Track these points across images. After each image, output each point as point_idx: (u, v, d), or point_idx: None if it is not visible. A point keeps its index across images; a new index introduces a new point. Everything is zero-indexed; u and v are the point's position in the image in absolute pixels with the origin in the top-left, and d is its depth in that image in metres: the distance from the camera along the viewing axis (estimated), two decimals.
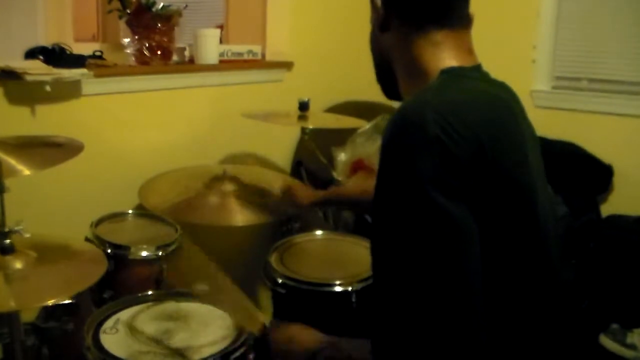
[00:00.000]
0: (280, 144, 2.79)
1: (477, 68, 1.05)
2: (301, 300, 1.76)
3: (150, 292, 1.61)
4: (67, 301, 1.49)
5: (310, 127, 2.23)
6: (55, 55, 1.98)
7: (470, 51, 1.04)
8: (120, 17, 2.23)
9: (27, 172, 1.41)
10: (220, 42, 2.49)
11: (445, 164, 0.85)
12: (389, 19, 1.04)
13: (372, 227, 0.92)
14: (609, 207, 2.70)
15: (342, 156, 2.71)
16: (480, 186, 0.87)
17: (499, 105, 0.99)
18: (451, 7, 1.01)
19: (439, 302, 0.85)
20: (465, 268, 0.86)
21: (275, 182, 2.13)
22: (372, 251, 0.92)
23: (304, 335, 1.21)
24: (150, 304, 1.57)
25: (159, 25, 2.23)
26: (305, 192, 1.97)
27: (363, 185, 2.07)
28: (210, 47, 2.42)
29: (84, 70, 1.97)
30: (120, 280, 1.79)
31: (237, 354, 1.36)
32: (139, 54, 2.24)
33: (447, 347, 0.85)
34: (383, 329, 0.90)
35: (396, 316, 0.88)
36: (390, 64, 1.08)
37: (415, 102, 0.93)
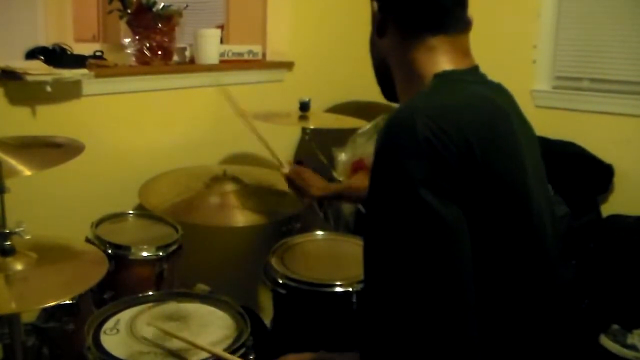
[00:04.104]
0: (280, 144, 2.77)
1: (473, 70, 1.05)
2: (302, 301, 1.76)
3: (150, 293, 1.61)
4: (67, 302, 1.49)
5: (311, 127, 2.23)
6: (56, 56, 1.98)
7: (466, 53, 1.05)
8: (120, 17, 2.23)
9: (27, 172, 1.41)
10: (221, 42, 2.49)
11: (436, 166, 0.86)
12: (386, 23, 1.06)
13: (364, 229, 0.93)
14: (610, 207, 2.69)
15: (342, 156, 2.71)
16: (471, 188, 0.88)
17: (490, 107, 0.99)
18: (447, 14, 1.02)
19: (428, 301, 0.85)
20: (455, 268, 0.86)
21: (276, 183, 2.13)
22: (364, 251, 0.93)
23: (294, 357, 1.23)
24: (150, 304, 1.57)
25: (160, 25, 2.23)
26: (318, 182, 1.89)
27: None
28: (210, 47, 2.42)
29: (84, 71, 1.97)
30: (121, 280, 1.79)
31: (238, 354, 1.36)
32: (139, 54, 2.24)
33: (437, 346, 0.85)
34: (373, 328, 0.91)
35: (386, 316, 0.89)
36: (388, 67, 1.09)
37: (406, 107, 0.94)
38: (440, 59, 1.02)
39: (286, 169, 1.92)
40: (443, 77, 1.00)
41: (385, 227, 0.89)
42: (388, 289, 0.88)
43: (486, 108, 0.98)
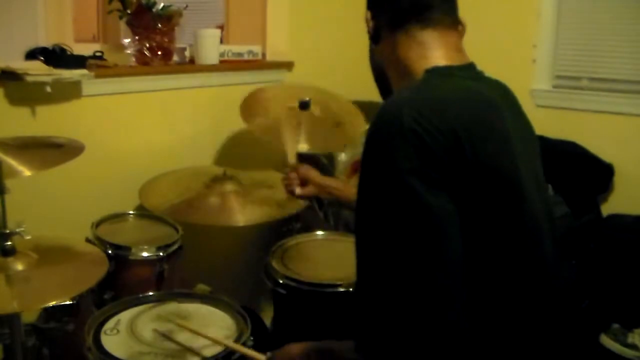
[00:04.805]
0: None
1: (467, 66, 1.06)
2: (302, 301, 1.76)
3: (151, 293, 1.61)
4: (67, 302, 1.49)
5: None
6: (56, 56, 1.98)
7: (458, 50, 1.06)
8: (120, 18, 2.23)
9: (27, 173, 1.41)
10: (221, 42, 2.49)
11: (422, 156, 0.87)
12: (378, 29, 1.08)
13: (355, 220, 0.94)
14: (610, 207, 2.69)
15: (342, 156, 2.71)
16: (459, 178, 0.89)
17: (480, 101, 1.00)
18: (430, 6, 1.04)
19: (416, 290, 0.86)
20: (443, 258, 0.87)
21: (276, 183, 2.13)
22: (355, 242, 0.94)
23: (297, 345, 1.23)
24: (151, 304, 1.57)
25: (160, 25, 2.23)
26: (314, 174, 1.81)
27: None
28: (210, 47, 2.42)
29: (84, 71, 1.97)
30: (121, 280, 1.79)
31: (238, 354, 1.36)
32: (139, 54, 2.24)
33: (424, 334, 0.86)
34: (364, 316, 0.92)
35: (376, 305, 0.90)
36: (386, 74, 1.11)
37: (393, 100, 0.96)
38: (432, 54, 1.03)
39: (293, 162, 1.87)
40: (433, 72, 1.01)
41: (372, 214, 0.90)
42: (375, 276, 0.90)
43: (475, 101, 0.99)
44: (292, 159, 1.88)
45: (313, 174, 1.80)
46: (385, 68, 1.10)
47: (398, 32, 1.05)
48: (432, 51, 1.03)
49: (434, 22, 1.03)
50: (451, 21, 1.06)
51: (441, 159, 0.87)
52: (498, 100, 1.03)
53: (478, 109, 0.97)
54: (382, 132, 0.91)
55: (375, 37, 1.10)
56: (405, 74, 1.04)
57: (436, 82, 0.99)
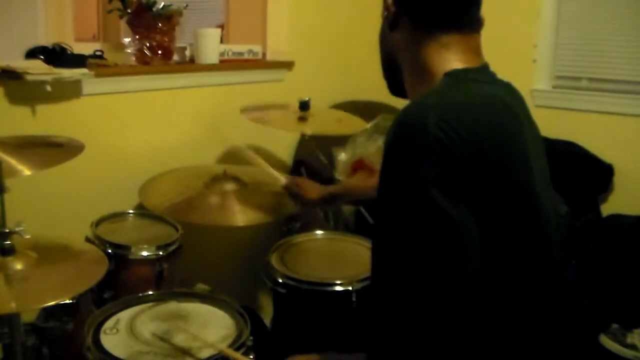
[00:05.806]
0: (280, 144, 2.78)
1: (483, 69, 1.05)
2: (301, 300, 1.76)
3: (150, 292, 1.61)
4: (67, 301, 1.49)
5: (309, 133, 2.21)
6: (56, 55, 1.98)
7: (477, 52, 1.05)
8: (120, 17, 2.23)
9: (27, 172, 1.41)
10: (221, 41, 2.49)
11: (446, 166, 0.85)
12: (399, 18, 1.05)
13: (374, 228, 0.92)
14: (610, 207, 2.69)
15: (342, 156, 2.71)
16: (481, 187, 0.88)
17: (500, 107, 0.99)
18: (463, 12, 1.02)
19: (434, 301, 0.85)
20: (463, 270, 0.86)
21: (276, 182, 2.13)
22: (373, 251, 0.93)
23: (302, 358, 1.23)
24: (150, 304, 1.57)
25: (160, 24, 2.23)
26: (312, 187, 1.93)
27: (369, 181, 2.07)
28: (210, 46, 2.42)
29: (84, 70, 1.97)
30: (121, 280, 1.79)
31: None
32: (139, 53, 2.24)
33: (443, 347, 0.85)
34: (380, 328, 0.91)
35: (392, 314, 0.89)
36: (398, 61, 1.08)
37: (417, 105, 0.94)
38: (452, 57, 1.01)
39: (283, 181, 1.92)
40: (454, 76, 0.99)
41: (393, 224, 0.89)
42: (395, 287, 0.88)
43: (497, 108, 0.98)
44: (281, 179, 1.92)
45: (310, 188, 1.86)
46: (397, 58, 1.08)
47: (422, 33, 1.02)
48: (453, 54, 1.01)
49: (461, 26, 1.02)
50: (476, 24, 1.04)
51: (464, 169, 0.86)
52: (515, 106, 1.03)
53: (499, 116, 0.97)
54: (407, 139, 0.88)
55: (392, 24, 1.06)
56: (422, 73, 1.02)
57: (458, 87, 0.98)
